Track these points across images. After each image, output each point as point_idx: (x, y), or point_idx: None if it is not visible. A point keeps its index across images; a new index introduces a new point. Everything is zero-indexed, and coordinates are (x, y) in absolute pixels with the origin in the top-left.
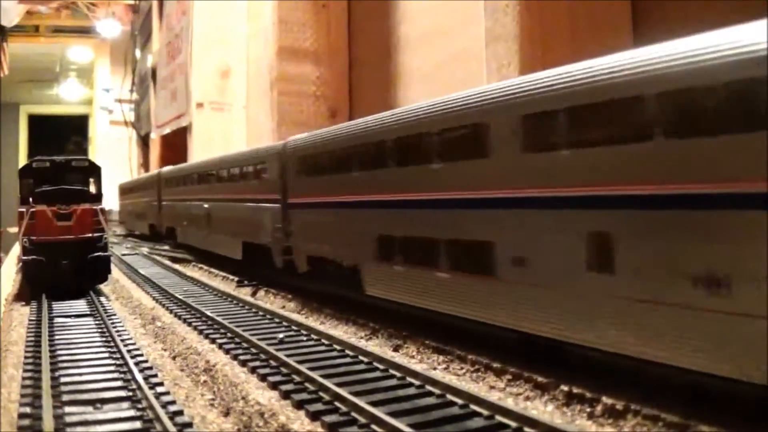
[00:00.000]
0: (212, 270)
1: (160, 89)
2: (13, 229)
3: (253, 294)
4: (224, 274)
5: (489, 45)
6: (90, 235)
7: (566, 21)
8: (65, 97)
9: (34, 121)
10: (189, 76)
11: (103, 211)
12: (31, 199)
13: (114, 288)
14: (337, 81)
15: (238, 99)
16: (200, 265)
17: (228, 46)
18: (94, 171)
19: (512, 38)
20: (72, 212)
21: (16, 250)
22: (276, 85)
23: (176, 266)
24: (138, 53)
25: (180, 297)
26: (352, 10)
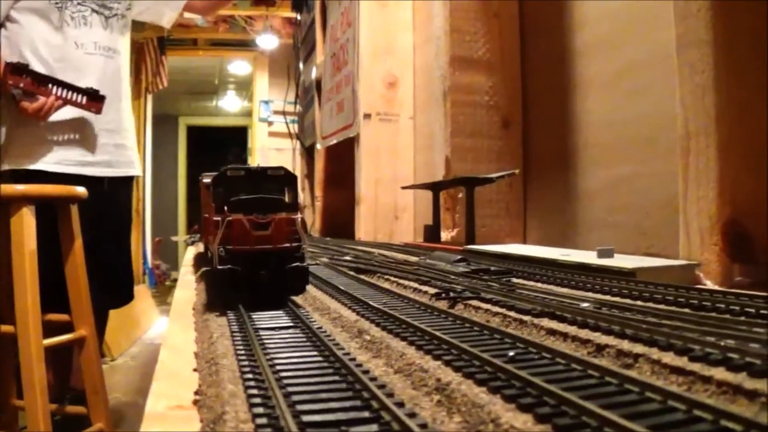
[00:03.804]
0: (401, 281)
1: (325, 101)
2: (177, 238)
3: (451, 306)
4: (415, 285)
5: (680, 51)
6: (288, 245)
7: (757, 24)
8: (224, 109)
9: (193, 132)
10: (356, 87)
11: (302, 221)
12: (226, 208)
13: (305, 298)
14: (509, 90)
15: (404, 109)
16: (386, 276)
17: (394, 56)
18: (290, 180)
19: (705, 44)
20: (269, 222)
21: (188, 257)
22: (449, 95)
23: (361, 276)
24: (301, 66)
25: (382, 309)
26: (524, 19)
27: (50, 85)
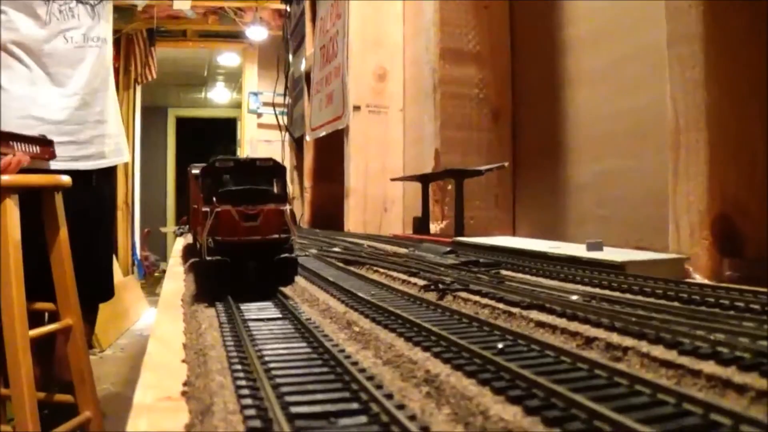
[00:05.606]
0: (389, 273)
1: (314, 93)
2: (166, 229)
3: (440, 298)
4: (404, 277)
5: (672, 46)
6: (277, 236)
7: (749, 21)
8: (213, 101)
9: (182, 123)
10: (345, 79)
11: (291, 212)
12: (214, 199)
13: (294, 289)
14: (499, 83)
15: (394, 101)
16: (375, 268)
17: (384, 48)
18: (279, 171)
19: (697, 39)
20: (258, 213)
21: (177, 248)
22: (439, 88)
23: (350, 268)
24: (290, 57)
25: (372, 300)
26: (514, 11)
27: (11, 141)
